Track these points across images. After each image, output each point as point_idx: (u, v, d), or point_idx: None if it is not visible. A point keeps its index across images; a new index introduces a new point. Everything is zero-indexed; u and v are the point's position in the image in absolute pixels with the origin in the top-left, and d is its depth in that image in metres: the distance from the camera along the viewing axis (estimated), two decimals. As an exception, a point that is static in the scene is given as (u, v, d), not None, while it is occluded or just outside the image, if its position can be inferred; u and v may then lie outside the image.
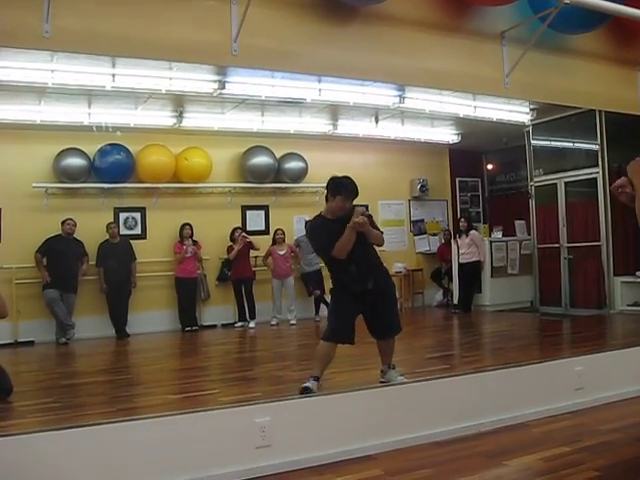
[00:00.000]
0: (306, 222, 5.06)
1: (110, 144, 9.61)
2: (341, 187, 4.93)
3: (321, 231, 5.00)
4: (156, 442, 3.51)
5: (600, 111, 9.02)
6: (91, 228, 9.47)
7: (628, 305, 9.84)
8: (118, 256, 9.47)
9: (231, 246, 10.30)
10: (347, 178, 4.95)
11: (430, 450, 4.07)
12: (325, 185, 5.01)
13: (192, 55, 3.78)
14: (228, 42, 3.70)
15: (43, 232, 9.06)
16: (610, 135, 9.92)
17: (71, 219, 9.19)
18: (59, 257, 8.93)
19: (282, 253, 10.43)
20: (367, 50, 4.30)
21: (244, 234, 10.28)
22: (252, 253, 10.44)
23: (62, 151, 9.45)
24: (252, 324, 10.19)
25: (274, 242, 10.51)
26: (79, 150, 9.53)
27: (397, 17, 4.34)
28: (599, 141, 10.04)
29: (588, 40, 5.23)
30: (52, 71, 6.80)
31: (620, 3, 4.61)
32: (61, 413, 4.84)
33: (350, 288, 4.93)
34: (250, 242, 10.22)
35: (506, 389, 4.69)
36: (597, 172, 10.11)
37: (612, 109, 5.90)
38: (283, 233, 10.55)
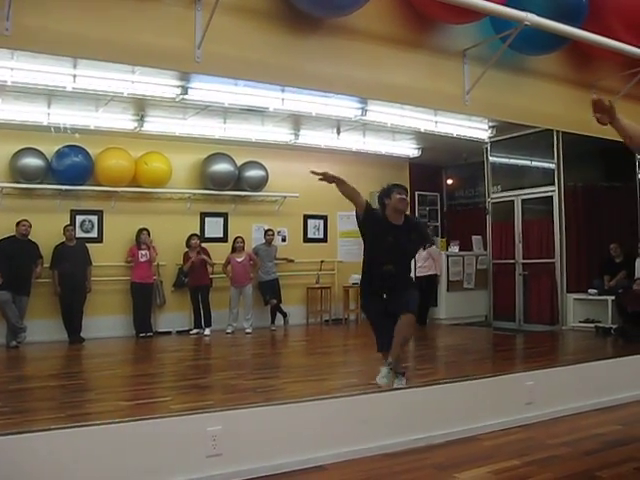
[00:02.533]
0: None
1: (69, 146, 9.50)
2: (391, 186, 5.25)
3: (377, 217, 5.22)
4: (106, 449, 3.46)
5: (557, 131, 9.20)
6: (46, 230, 9.33)
7: (580, 322, 10.03)
8: (73, 259, 9.34)
9: (187, 253, 10.26)
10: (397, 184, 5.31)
11: (381, 461, 4.08)
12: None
13: (155, 60, 3.74)
14: (191, 49, 3.68)
15: (-4, 233, 8.90)
16: (566, 154, 10.13)
17: (26, 220, 9.04)
18: (12, 259, 8.76)
19: (240, 260, 10.40)
20: (330, 62, 4.31)
21: (203, 257, 10.25)
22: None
23: (19, 151, 9.30)
24: (207, 331, 10.15)
25: (233, 250, 10.48)
26: (36, 150, 9.39)
27: (361, 31, 4.37)
28: (556, 160, 10.24)
29: (547, 62, 5.32)
30: (11, 69, 6.73)
31: (577, 27, 4.73)
32: (10, 418, 4.78)
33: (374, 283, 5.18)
34: (205, 259, 10.25)
35: (458, 402, 4.73)
36: (553, 190, 10.31)
37: (568, 129, 6.01)
38: (242, 241, 10.54)
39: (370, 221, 5.08)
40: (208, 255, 10.35)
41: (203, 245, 10.43)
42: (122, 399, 5.70)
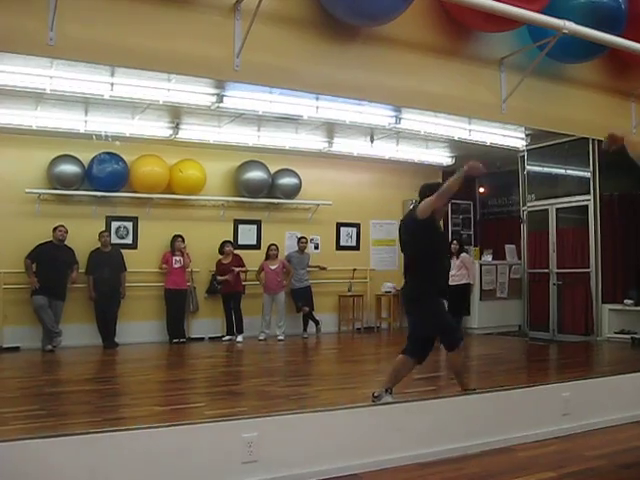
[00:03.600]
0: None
1: (105, 153, 9.61)
2: (426, 188, 5.24)
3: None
4: (141, 454, 3.49)
5: (593, 139, 9.09)
6: (82, 236, 9.45)
7: (615, 333, 9.89)
8: (109, 265, 9.44)
9: (220, 260, 10.32)
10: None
11: (415, 471, 4.06)
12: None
13: (195, 69, 3.79)
14: (230, 57, 3.72)
15: (34, 238, 9.02)
16: (602, 163, 10.01)
17: (63, 226, 9.16)
18: (49, 264, 8.89)
19: (274, 268, 10.44)
20: (366, 70, 4.33)
21: (238, 271, 10.33)
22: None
23: (56, 157, 9.44)
24: (240, 338, 10.18)
25: (267, 257, 10.52)
26: (73, 157, 9.52)
27: (397, 39, 4.37)
28: (591, 169, 10.13)
29: (585, 70, 5.29)
30: (51, 77, 6.83)
31: (616, 35, 4.68)
32: (45, 421, 4.83)
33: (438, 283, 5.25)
34: (240, 273, 10.37)
35: (493, 413, 4.69)
36: (589, 199, 10.19)
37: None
38: (277, 249, 10.58)
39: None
40: (242, 262, 10.41)
41: (236, 252, 10.48)
42: (156, 404, 5.73)
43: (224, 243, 10.37)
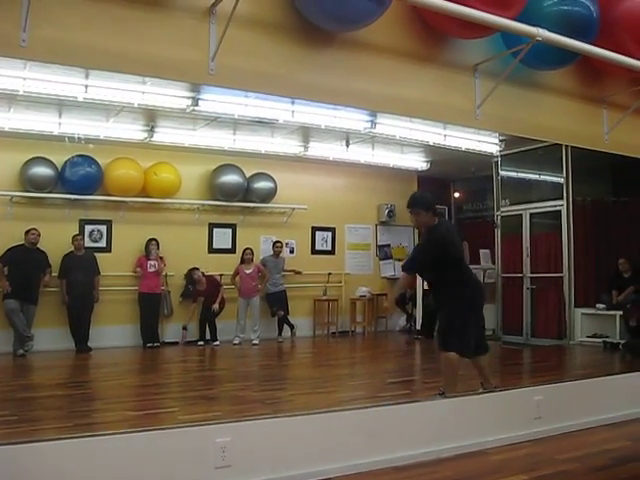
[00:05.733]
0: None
1: (79, 155, 9.52)
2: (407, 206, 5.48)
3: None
4: (114, 460, 3.46)
5: (566, 145, 9.19)
6: (55, 239, 9.35)
7: (587, 336, 10.00)
8: (82, 269, 9.36)
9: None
10: (412, 195, 5.62)
11: (389, 475, 4.07)
12: None
13: (169, 72, 3.76)
14: (205, 61, 3.70)
15: (6, 241, 8.91)
16: (575, 169, 10.12)
17: (35, 229, 9.07)
18: (21, 267, 8.79)
19: (248, 272, 10.42)
20: (342, 75, 4.33)
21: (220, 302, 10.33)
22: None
23: (29, 160, 9.33)
24: (216, 342, 10.12)
25: (242, 261, 10.50)
26: (47, 159, 9.42)
27: (373, 44, 4.38)
28: (564, 174, 10.24)
29: (558, 77, 5.33)
30: (24, 79, 6.77)
31: (589, 43, 4.74)
32: (16, 427, 4.78)
33: None
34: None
35: (466, 416, 4.72)
36: (562, 205, 10.30)
37: (579, 144, 5.99)
38: (252, 253, 10.56)
39: None
40: (218, 286, 10.40)
41: (208, 274, 10.47)
42: (129, 409, 5.69)
43: (191, 271, 10.34)
